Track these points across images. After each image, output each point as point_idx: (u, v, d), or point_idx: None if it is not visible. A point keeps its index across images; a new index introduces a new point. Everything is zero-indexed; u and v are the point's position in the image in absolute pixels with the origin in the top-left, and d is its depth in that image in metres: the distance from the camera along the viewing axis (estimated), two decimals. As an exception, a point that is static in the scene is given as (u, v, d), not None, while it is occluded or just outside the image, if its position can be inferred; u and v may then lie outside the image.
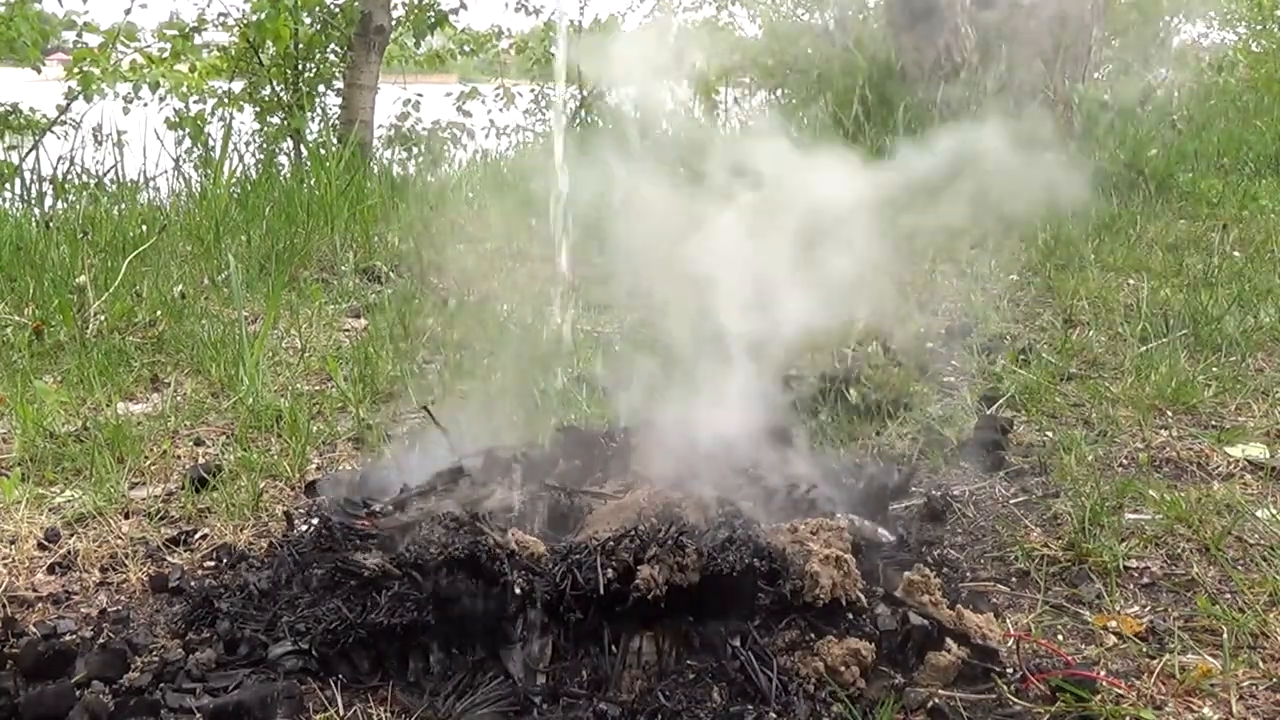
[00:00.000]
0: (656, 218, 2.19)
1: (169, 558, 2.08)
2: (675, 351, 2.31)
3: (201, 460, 2.51)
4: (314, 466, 2.50)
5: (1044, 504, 2.28)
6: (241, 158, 6.25)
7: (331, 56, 10.17)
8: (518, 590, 1.61)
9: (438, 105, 10.82)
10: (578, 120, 9.62)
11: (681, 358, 2.31)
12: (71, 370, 3.03)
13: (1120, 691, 1.61)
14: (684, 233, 2.16)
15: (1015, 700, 1.61)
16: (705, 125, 7.32)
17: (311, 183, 5.48)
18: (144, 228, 4.60)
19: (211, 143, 7.14)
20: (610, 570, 1.61)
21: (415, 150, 9.67)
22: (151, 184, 5.72)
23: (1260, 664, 1.69)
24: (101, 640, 1.75)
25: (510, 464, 2.08)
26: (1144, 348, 3.22)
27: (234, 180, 5.52)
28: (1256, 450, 2.52)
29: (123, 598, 1.94)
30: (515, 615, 1.62)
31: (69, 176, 5.78)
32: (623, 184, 2.23)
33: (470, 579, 1.66)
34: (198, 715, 1.53)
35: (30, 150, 6.80)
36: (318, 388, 3.02)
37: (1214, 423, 2.72)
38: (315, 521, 2.02)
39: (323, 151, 6.53)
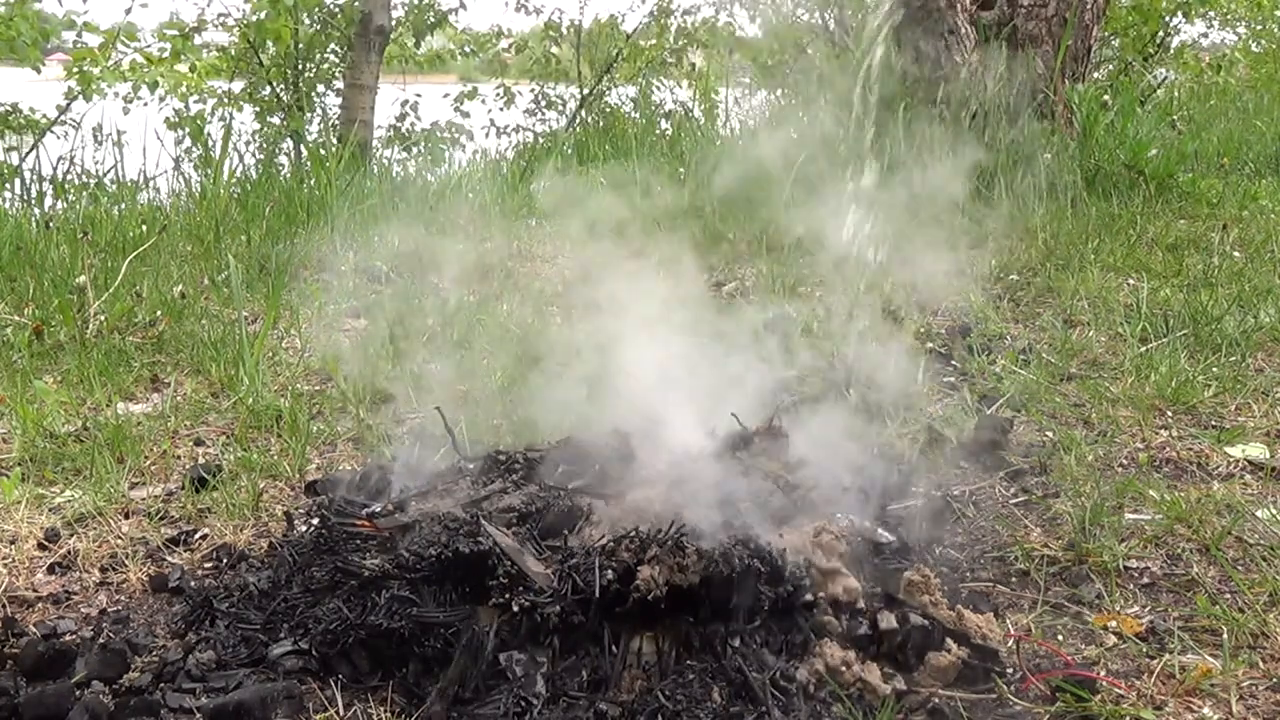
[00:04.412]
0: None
1: (169, 558, 2.08)
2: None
3: (201, 460, 2.51)
4: (314, 466, 2.50)
5: (1044, 504, 2.28)
6: (241, 158, 6.25)
7: (331, 57, 10.18)
8: (516, 608, 1.60)
9: (437, 105, 10.83)
10: (578, 119, 9.62)
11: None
12: (71, 370, 3.03)
13: (1120, 691, 1.61)
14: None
15: (1015, 700, 1.61)
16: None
17: (311, 183, 5.48)
18: (144, 228, 4.60)
19: (211, 143, 7.14)
20: (610, 571, 1.61)
21: (414, 150, 9.69)
22: (151, 184, 5.72)
23: (1260, 664, 1.69)
24: (101, 640, 1.76)
25: (511, 465, 2.08)
26: (1144, 348, 3.22)
27: (234, 180, 5.52)
28: (1256, 450, 2.52)
29: (123, 598, 1.94)
30: (515, 617, 1.62)
31: (69, 176, 5.78)
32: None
33: (469, 582, 1.66)
34: (198, 715, 1.54)
35: (30, 150, 6.81)
36: (318, 388, 3.02)
37: (1214, 423, 2.72)
38: (315, 522, 2.02)
39: (323, 151, 6.54)
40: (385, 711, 1.59)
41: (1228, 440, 2.57)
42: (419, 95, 10.76)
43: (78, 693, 1.57)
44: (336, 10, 9.90)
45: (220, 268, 4.04)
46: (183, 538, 2.15)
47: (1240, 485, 2.36)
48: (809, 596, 1.68)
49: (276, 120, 9.67)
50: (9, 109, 8.33)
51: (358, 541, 1.87)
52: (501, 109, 11.40)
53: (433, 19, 10.60)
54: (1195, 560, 2.03)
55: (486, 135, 10.44)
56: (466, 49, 12.22)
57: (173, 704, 1.56)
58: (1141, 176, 5.63)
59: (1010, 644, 1.72)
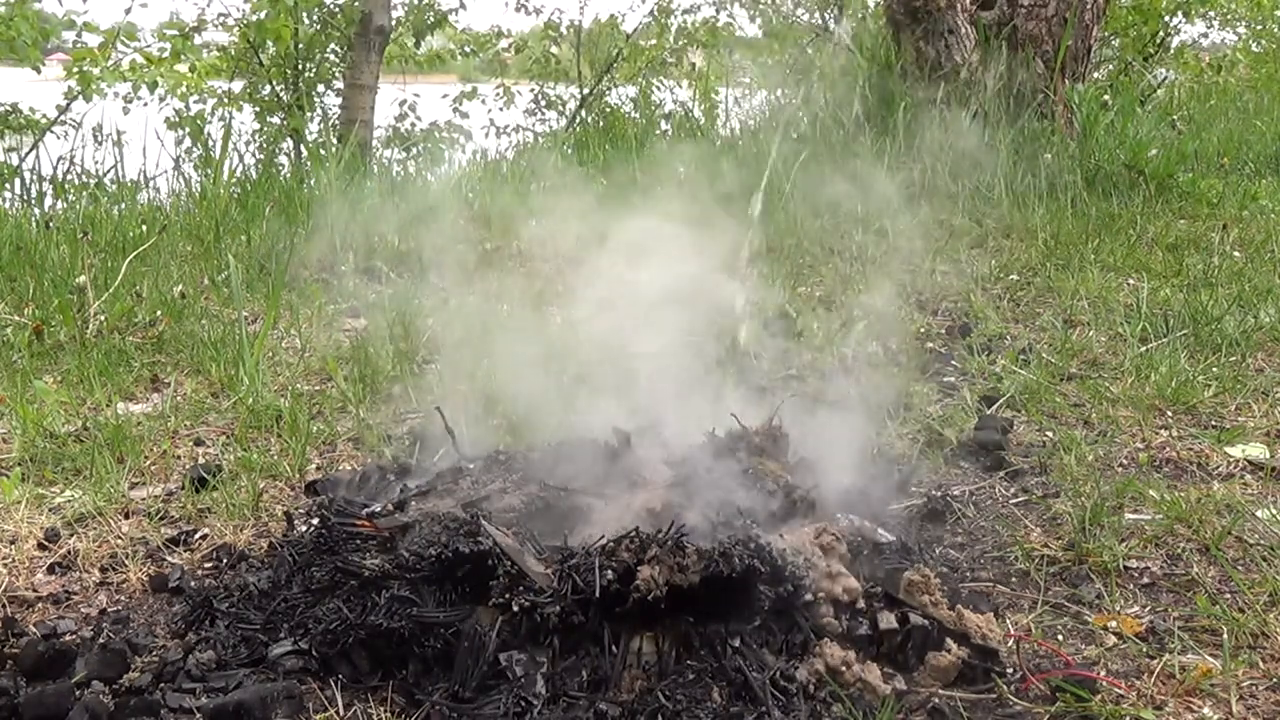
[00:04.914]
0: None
1: (169, 558, 2.08)
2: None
3: (201, 460, 2.51)
4: (314, 466, 2.50)
5: (1044, 504, 2.28)
6: (241, 158, 6.25)
7: (331, 56, 10.18)
8: (516, 608, 1.60)
9: (436, 105, 10.82)
10: (578, 119, 9.61)
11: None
12: (71, 370, 3.03)
13: (1120, 691, 1.61)
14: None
15: (1015, 700, 1.61)
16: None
17: (311, 183, 5.48)
18: (144, 228, 4.60)
19: (211, 143, 7.14)
20: (610, 571, 1.61)
21: (413, 150, 9.68)
22: (151, 184, 5.72)
23: (1260, 664, 1.69)
24: (101, 640, 1.75)
25: (511, 465, 2.08)
26: (1144, 348, 3.22)
27: (234, 180, 5.52)
28: (1256, 450, 2.52)
29: (123, 598, 1.94)
30: (515, 617, 1.62)
31: (69, 176, 5.78)
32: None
33: (469, 582, 1.66)
34: (198, 715, 1.54)
35: (30, 150, 6.81)
36: (318, 388, 3.02)
37: (1214, 423, 2.72)
38: (315, 522, 2.02)
39: (323, 151, 6.53)
40: (385, 711, 1.59)
41: (1228, 440, 2.57)
42: (418, 95, 10.75)
43: (78, 693, 1.57)
44: (336, 10, 9.90)
45: (220, 268, 4.04)
46: (183, 538, 2.15)
47: (1240, 485, 2.36)
48: (809, 596, 1.68)
49: (276, 120, 9.66)
50: (9, 109, 8.33)
51: (358, 541, 1.87)
52: (501, 109, 11.40)
53: (432, 19, 10.60)
54: (1195, 560, 2.03)
55: (486, 135, 10.44)
56: (466, 49, 12.22)
57: (173, 704, 1.56)
58: (1141, 176, 5.63)
59: (1010, 644, 1.72)
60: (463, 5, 10.73)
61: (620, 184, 5.10)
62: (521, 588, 1.62)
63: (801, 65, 9.73)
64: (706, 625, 1.63)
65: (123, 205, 5.13)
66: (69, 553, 2.07)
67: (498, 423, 2.60)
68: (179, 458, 2.54)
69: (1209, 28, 12.49)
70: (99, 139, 6.13)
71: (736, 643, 1.61)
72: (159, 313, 3.53)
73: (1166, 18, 10.87)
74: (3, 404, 2.77)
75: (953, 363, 3.21)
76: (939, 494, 2.29)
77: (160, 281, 3.86)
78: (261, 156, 7.47)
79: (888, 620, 1.68)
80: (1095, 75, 7.81)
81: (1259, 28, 12.41)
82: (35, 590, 1.96)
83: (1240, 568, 2.00)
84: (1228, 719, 1.57)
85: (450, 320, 3.46)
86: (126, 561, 2.04)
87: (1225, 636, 1.75)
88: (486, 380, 2.91)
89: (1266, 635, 1.76)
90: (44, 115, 8.33)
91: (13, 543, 2.09)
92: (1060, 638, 1.81)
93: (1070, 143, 5.90)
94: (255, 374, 2.91)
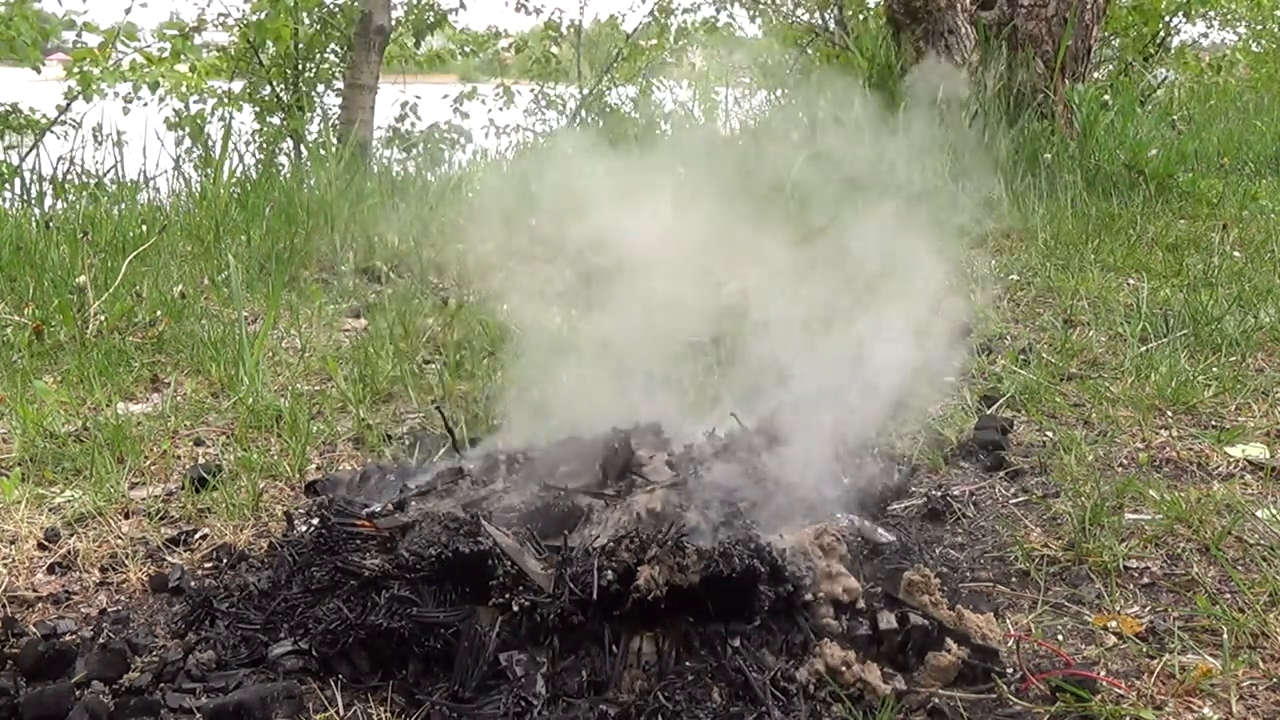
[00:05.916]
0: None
1: (169, 558, 2.08)
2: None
3: (201, 460, 2.51)
4: (314, 466, 2.50)
5: (1044, 504, 2.28)
6: (241, 158, 6.25)
7: (331, 56, 10.17)
8: (516, 608, 1.60)
9: (436, 105, 10.81)
10: (578, 119, 9.61)
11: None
12: (71, 370, 3.03)
13: (1120, 691, 1.61)
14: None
15: (1015, 700, 1.61)
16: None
17: (311, 183, 5.48)
18: (144, 228, 4.60)
19: (211, 143, 7.13)
20: (610, 572, 1.61)
21: (413, 150, 9.67)
22: (151, 184, 5.71)
23: (1260, 664, 1.69)
24: (101, 640, 1.75)
25: (511, 465, 2.08)
26: (1144, 348, 3.22)
27: (234, 180, 5.52)
28: (1256, 450, 2.52)
29: (123, 598, 1.94)
30: (515, 617, 1.62)
31: (69, 176, 5.77)
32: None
33: (469, 582, 1.66)
34: (198, 715, 1.54)
35: (30, 150, 6.81)
36: (318, 388, 3.02)
37: (1214, 423, 2.72)
38: (315, 522, 2.02)
39: (323, 151, 6.53)
40: (385, 711, 1.59)
41: (1228, 440, 2.57)
42: (418, 97, 10.74)
43: (78, 693, 1.57)
44: (336, 10, 9.90)
45: (220, 268, 4.04)
46: (183, 538, 2.15)
47: (1240, 485, 2.36)
48: (809, 596, 1.68)
49: (276, 120, 9.66)
50: (9, 109, 8.33)
51: (358, 541, 1.87)
52: (501, 109, 11.39)
53: (432, 19, 10.59)
54: (1195, 560, 2.03)
55: (486, 135, 10.44)
56: (466, 49, 12.21)
57: (173, 704, 1.56)
58: (1141, 176, 5.63)
59: (1010, 644, 1.72)
60: (463, 5, 10.73)
61: (619, 183, 5.08)
62: (521, 588, 1.62)
63: (802, 65, 9.73)
64: (706, 625, 1.63)
65: (123, 205, 5.12)
66: (69, 553, 2.08)
67: (498, 422, 2.60)
68: (179, 458, 2.54)
69: (1209, 28, 12.50)
70: (99, 139, 6.12)
71: (736, 643, 1.61)
72: (159, 313, 3.53)
73: (1166, 18, 10.87)
74: (3, 404, 2.77)
75: (953, 363, 3.20)
76: (939, 494, 2.29)
77: (160, 281, 3.86)
78: (261, 156, 7.47)
79: (888, 620, 1.68)
80: (1095, 75, 7.82)
81: (1259, 28, 12.41)
82: (35, 590, 1.96)
83: (1240, 568, 2.00)
84: (1228, 719, 1.57)
85: (450, 320, 3.46)
86: (126, 561, 2.04)
87: (1225, 636, 1.75)
88: (487, 378, 2.91)
89: (1266, 635, 1.76)
90: (44, 115, 8.32)
91: (13, 543, 2.09)
92: (1060, 638, 1.81)
93: (1070, 143, 5.90)
94: (255, 374, 2.91)
